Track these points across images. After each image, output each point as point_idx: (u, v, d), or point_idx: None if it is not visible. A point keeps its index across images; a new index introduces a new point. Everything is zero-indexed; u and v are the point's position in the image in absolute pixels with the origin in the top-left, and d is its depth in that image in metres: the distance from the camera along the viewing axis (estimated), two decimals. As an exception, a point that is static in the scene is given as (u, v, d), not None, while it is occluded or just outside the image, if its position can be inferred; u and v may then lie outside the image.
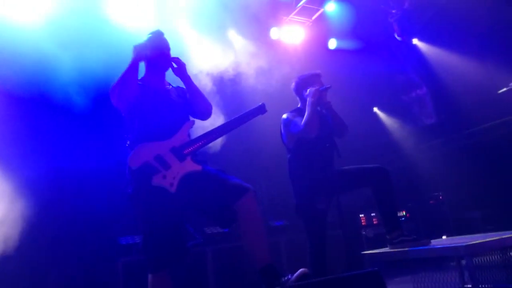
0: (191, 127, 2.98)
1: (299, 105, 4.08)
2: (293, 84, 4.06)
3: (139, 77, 3.03)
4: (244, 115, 3.04)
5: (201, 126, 3.26)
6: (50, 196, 4.90)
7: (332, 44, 7.74)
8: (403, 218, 6.47)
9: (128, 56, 2.96)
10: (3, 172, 4.61)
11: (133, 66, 2.88)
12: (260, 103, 3.08)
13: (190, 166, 2.80)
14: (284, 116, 4.00)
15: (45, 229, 4.79)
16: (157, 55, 3.04)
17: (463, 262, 3.34)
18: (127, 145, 2.89)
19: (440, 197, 6.33)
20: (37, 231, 4.70)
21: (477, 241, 2.67)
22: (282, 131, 4.03)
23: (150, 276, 2.77)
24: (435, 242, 3.26)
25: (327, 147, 3.97)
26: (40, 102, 5.01)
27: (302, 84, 4.02)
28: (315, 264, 3.62)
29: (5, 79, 4.64)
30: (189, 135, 2.95)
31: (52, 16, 5.07)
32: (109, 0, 5.62)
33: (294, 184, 3.93)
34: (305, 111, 3.81)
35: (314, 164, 3.81)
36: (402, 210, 6.49)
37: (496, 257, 3.39)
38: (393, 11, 7.37)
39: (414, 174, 7.10)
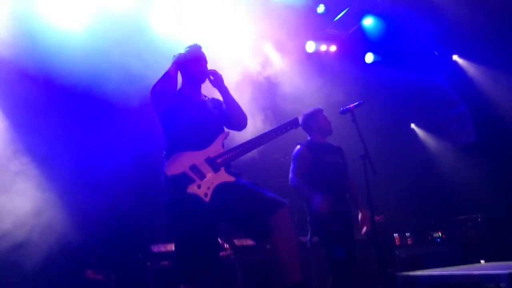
0: (226, 138, 3.02)
1: (309, 138, 4.32)
2: (300, 121, 3.93)
3: (177, 88, 3.10)
4: (277, 128, 3.08)
5: (236, 138, 3.29)
6: (84, 200, 5.02)
7: (369, 58, 7.67)
8: (438, 240, 6.25)
9: (167, 64, 3.05)
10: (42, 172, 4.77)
11: (172, 71, 3.00)
12: (294, 117, 3.09)
13: (224, 177, 2.83)
14: (297, 148, 4.20)
15: (77, 233, 4.88)
16: (195, 67, 3.11)
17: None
18: (163, 154, 2.94)
19: (479, 219, 6.09)
20: (69, 234, 4.80)
21: (520, 268, 2.54)
22: (292, 164, 4.13)
23: (181, 286, 2.78)
24: (474, 267, 3.14)
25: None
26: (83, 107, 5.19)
27: (307, 120, 4.30)
28: None
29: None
30: (223, 146, 2.98)
31: (94, 23, 5.28)
32: (151, 10, 5.78)
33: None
34: (315, 144, 4.17)
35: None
36: (438, 231, 6.29)
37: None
38: (433, 26, 7.25)
39: (451, 194, 6.89)
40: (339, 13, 7.15)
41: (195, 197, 2.71)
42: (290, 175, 4.10)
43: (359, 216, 4.09)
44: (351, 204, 4.20)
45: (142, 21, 5.67)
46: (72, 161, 5.08)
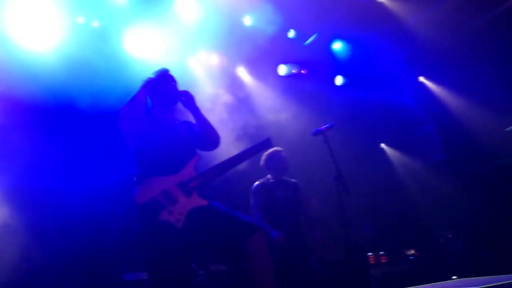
0: (198, 161, 2.96)
1: (268, 176, 4.73)
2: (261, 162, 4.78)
3: (148, 111, 3.05)
4: (249, 149, 3.04)
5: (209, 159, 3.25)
6: (54, 223, 4.90)
7: (339, 80, 7.81)
8: (412, 257, 6.30)
9: (136, 87, 3.02)
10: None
11: (141, 94, 2.94)
12: (265, 137, 3.07)
13: (197, 201, 2.77)
14: (255, 185, 4.64)
15: (47, 263, 4.73)
16: (164, 88, 3.07)
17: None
18: (134, 180, 2.87)
19: (450, 236, 6.19)
20: (39, 264, 4.65)
21: (491, 284, 2.57)
22: (251, 200, 4.53)
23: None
24: (447, 284, 3.16)
25: None
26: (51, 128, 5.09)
27: (266, 160, 4.74)
28: None
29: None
30: (196, 169, 2.92)
31: (63, 45, 5.27)
32: (120, 32, 5.77)
33: None
34: (270, 182, 4.60)
35: None
36: (411, 249, 6.34)
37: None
38: (400, 49, 7.46)
39: (422, 212, 6.99)
40: (309, 38, 7.29)
41: (167, 224, 2.64)
42: (252, 210, 4.46)
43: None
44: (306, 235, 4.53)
45: (111, 42, 5.66)
46: (42, 185, 4.96)
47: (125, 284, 4.64)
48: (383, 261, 6.11)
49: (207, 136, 3.07)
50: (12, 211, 4.65)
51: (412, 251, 6.27)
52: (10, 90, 4.82)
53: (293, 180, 4.77)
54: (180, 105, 3.11)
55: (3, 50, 4.92)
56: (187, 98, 3.05)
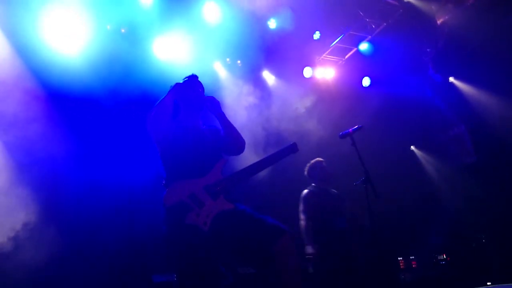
0: (224, 165, 2.98)
1: (313, 184, 4.92)
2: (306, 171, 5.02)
3: (175, 116, 3.10)
4: (276, 154, 3.04)
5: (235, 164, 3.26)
6: (85, 232, 4.98)
7: (366, 82, 7.71)
8: (443, 262, 6.13)
9: (164, 91, 3.07)
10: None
11: (168, 99, 3.00)
12: (292, 142, 3.06)
13: (224, 204, 2.78)
14: (305, 192, 4.81)
15: (76, 264, 4.84)
16: (191, 95, 3.11)
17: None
18: (163, 183, 2.91)
19: (483, 240, 5.99)
20: (69, 265, 4.77)
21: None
22: (302, 206, 4.69)
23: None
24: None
25: None
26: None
27: (309, 171, 4.97)
28: None
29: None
30: (222, 173, 2.94)
31: (93, 49, 5.43)
32: (148, 38, 5.88)
33: None
34: (318, 191, 4.77)
35: None
36: (442, 253, 6.18)
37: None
38: (428, 49, 7.32)
39: (455, 215, 6.81)
40: (335, 40, 7.25)
41: (193, 227, 2.66)
42: (302, 215, 4.61)
43: None
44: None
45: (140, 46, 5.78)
46: (77, 184, 5.09)
47: (155, 285, 4.70)
48: (413, 265, 5.98)
49: (232, 141, 3.09)
50: (41, 210, 4.75)
51: (444, 256, 6.10)
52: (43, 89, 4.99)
53: (335, 191, 4.96)
54: (206, 111, 3.14)
55: (39, 52, 5.09)
56: (213, 104, 3.08)
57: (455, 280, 5.74)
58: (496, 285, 4.20)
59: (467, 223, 6.55)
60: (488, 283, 4.95)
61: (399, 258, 6.00)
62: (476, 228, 6.31)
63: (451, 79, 7.51)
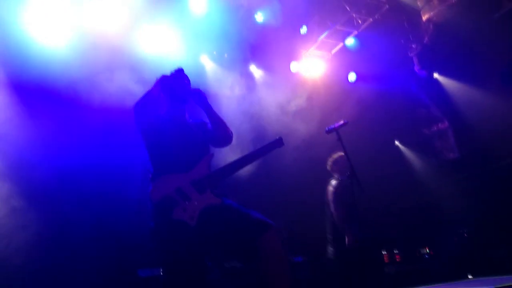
0: (211, 159, 2.99)
1: (336, 176, 4.97)
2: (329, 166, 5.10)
3: (162, 109, 3.09)
4: (262, 148, 3.05)
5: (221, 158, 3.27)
6: (69, 225, 4.94)
7: (352, 77, 7.77)
8: (426, 256, 6.26)
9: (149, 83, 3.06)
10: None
11: (155, 90, 2.99)
12: (278, 137, 3.08)
13: (210, 199, 2.79)
14: (335, 183, 4.86)
15: (62, 258, 4.81)
16: (178, 87, 3.10)
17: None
18: (149, 177, 2.91)
19: (465, 234, 6.12)
20: (54, 260, 4.73)
21: (507, 284, 2.56)
22: (332, 198, 4.74)
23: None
24: (462, 283, 3.15)
25: None
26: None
27: (333, 164, 5.02)
28: None
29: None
30: (209, 168, 2.95)
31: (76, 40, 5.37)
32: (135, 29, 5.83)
33: None
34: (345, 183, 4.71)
35: None
36: (425, 247, 6.30)
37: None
38: (413, 45, 7.40)
39: (436, 210, 6.94)
40: (322, 34, 7.28)
41: (180, 222, 2.67)
42: (333, 206, 4.69)
43: None
44: None
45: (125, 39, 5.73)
46: (61, 177, 5.04)
47: (140, 280, 4.70)
48: (397, 259, 6.09)
49: (220, 132, 3.09)
50: (25, 206, 4.70)
51: (427, 249, 6.23)
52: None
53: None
54: (193, 104, 3.13)
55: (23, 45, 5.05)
56: (200, 97, 3.08)
57: (437, 273, 5.86)
58: (476, 278, 4.31)
59: (449, 218, 6.68)
60: (469, 276, 5.07)
61: (383, 252, 6.11)
62: (458, 222, 6.45)
63: (436, 75, 7.63)
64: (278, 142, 3.06)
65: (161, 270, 2.83)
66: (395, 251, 6.13)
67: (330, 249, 4.75)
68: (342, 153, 4.89)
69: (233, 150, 3.36)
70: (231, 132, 3.15)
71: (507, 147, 6.26)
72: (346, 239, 4.47)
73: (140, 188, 3.47)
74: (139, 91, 3.09)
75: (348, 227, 4.52)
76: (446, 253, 6.12)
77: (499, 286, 2.54)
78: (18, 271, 4.40)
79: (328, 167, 5.09)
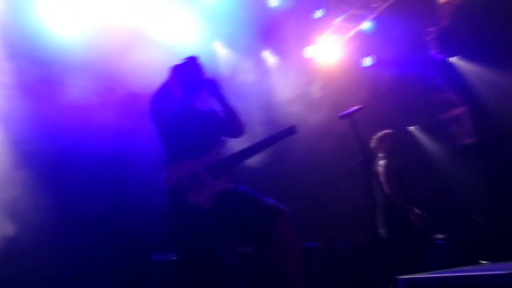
0: (223, 147, 3.03)
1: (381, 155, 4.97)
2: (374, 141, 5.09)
3: (176, 97, 3.12)
4: (275, 135, 3.09)
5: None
6: (85, 211, 5.03)
7: (367, 62, 7.68)
8: (440, 241, 6.22)
9: (164, 74, 3.08)
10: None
11: (170, 81, 3.05)
12: (291, 124, 3.09)
13: (225, 184, 2.84)
14: (387, 162, 4.83)
15: (77, 242, 4.89)
16: (192, 77, 3.13)
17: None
18: (163, 164, 2.96)
19: (480, 220, 6.08)
20: (69, 244, 4.81)
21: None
22: (385, 178, 4.74)
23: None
24: (475, 268, 3.14)
25: None
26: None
27: (380, 141, 5.02)
28: None
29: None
30: (222, 154, 2.99)
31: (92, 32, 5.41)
32: (147, 19, 5.84)
33: None
34: (391, 160, 4.84)
35: None
36: (439, 233, 6.27)
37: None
38: (430, 29, 7.28)
39: (452, 196, 6.89)
40: (337, 19, 7.19)
41: (195, 206, 2.72)
42: (390, 186, 4.68)
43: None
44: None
45: (140, 32, 5.74)
46: (73, 160, 5.11)
47: (155, 264, 4.78)
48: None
49: (232, 123, 3.13)
50: (40, 188, 4.74)
51: (441, 235, 6.18)
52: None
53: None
54: (206, 93, 3.16)
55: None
56: (214, 86, 3.10)
57: (451, 258, 5.85)
58: (490, 263, 4.29)
59: (464, 203, 6.64)
60: (482, 262, 5.05)
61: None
62: (474, 208, 6.40)
63: (453, 58, 7.49)
64: (291, 130, 3.09)
65: (176, 254, 2.90)
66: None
67: (382, 231, 4.75)
68: (388, 131, 5.06)
69: (246, 137, 3.37)
70: (244, 124, 3.19)
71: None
72: (413, 218, 4.57)
73: (154, 174, 3.51)
74: (152, 78, 3.10)
75: (409, 206, 4.61)
76: (460, 239, 6.08)
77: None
78: (30, 254, 4.47)
79: (373, 145, 5.06)
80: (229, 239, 4.66)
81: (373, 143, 5.06)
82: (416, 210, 4.57)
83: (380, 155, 4.96)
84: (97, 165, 5.24)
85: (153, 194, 3.47)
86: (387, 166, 4.80)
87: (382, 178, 4.78)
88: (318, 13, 6.95)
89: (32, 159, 4.75)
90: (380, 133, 5.04)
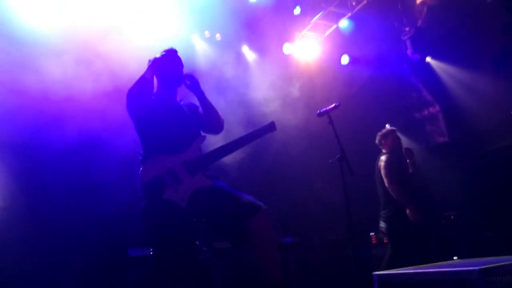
0: (203, 142, 3.02)
1: (384, 151, 5.15)
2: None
3: (154, 93, 3.09)
4: (254, 132, 3.10)
5: (212, 142, 3.30)
6: (60, 205, 4.94)
7: (345, 60, 7.74)
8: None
9: (141, 68, 3.04)
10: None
11: (148, 75, 3.00)
12: (270, 121, 3.11)
13: (202, 181, 2.83)
14: (387, 157, 4.99)
15: (53, 238, 4.81)
16: (171, 71, 3.10)
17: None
18: (139, 159, 2.92)
19: (452, 217, 6.22)
20: (44, 239, 4.73)
21: (492, 265, 2.62)
22: (387, 171, 4.87)
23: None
24: (447, 264, 3.22)
25: None
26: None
27: (382, 138, 5.22)
28: None
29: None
30: (200, 150, 2.98)
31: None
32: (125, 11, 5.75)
33: None
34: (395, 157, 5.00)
35: None
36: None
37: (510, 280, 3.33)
38: (407, 28, 7.39)
39: (425, 193, 7.03)
40: (315, 16, 7.23)
41: (171, 202, 2.71)
42: (389, 181, 4.81)
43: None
44: None
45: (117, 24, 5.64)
46: (50, 160, 5.00)
47: (130, 259, 4.74)
48: (385, 241, 6.18)
49: (210, 119, 3.13)
50: (14, 190, 4.68)
51: None
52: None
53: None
54: (184, 87, 3.14)
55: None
56: (192, 81, 3.08)
57: (423, 256, 5.97)
58: (462, 260, 4.41)
59: (438, 201, 6.77)
60: (455, 258, 5.18)
61: (371, 234, 6.19)
62: (446, 206, 6.53)
63: (428, 58, 7.62)
64: (271, 127, 3.10)
65: (152, 249, 2.88)
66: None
67: (382, 224, 4.95)
68: (391, 128, 5.27)
69: (224, 134, 3.37)
70: (222, 120, 3.21)
71: (498, 131, 6.32)
72: (409, 213, 4.70)
73: (130, 169, 3.47)
74: (129, 72, 3.06)
75: (409, 201, 4.73)
76: (434, 236, 6.21)
77: (485, 267, 2.60)
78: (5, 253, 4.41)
79: (377, 141, 5.27)
80: (206, 234, 4.67)
81: (377, 139, 5.27)
82: (414, 206, 4.73)
83: (383, 151, 5.15)
84: (70, 158, 5.13)
85: (129, 188, 3.44)
86: (387, 161, 4.95)
87: (382, 172, 4.93)
88: (297, 10, 6.97)
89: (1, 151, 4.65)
90: (383, 130, 5.26)
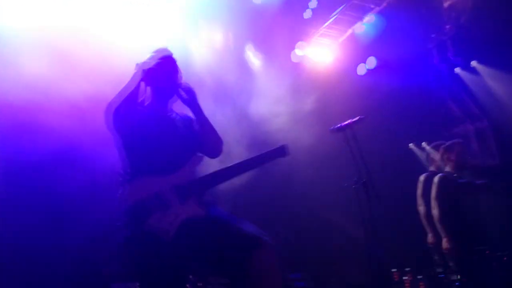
0: (198, 164, 2.88)
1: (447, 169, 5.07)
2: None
3: (141, 102, 2.97)
4: (261, 156, 2.93)
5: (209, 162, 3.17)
6: (37, 234, 4.88)
7: (362, 69, 7.64)
8: (457, 283, 5.79)
9: (127, 74, 2.92)
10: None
11: (133, 84, 2.86)
12: (280, 144, 2.93)
13: (194, 209, 2.70)
14: (440, 176, 4.88)
15: (34, 269, 4.82)
16: (163, 79, 2.97)
17: None
18: (125, 179, 2.79)
19: (505, 258, 5.72)
20: (26, 271, 4.75)
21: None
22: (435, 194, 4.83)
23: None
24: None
25: None
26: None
27: (445, 152, 5.11)
28: None
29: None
30: (195, 171, 2.84)
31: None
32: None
33: None
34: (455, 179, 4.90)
35: None
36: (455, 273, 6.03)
37: None
38: (433, 35, 7.29)
39: (467, 227, 6.73)
40: (329, 18, 7.16)
41: (154, 235, 2.58)
42: (437, 203, 4.78)
43: None
44: None
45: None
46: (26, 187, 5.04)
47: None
48: (420, 286, 5.88)
49: (206, 138, 2.99)
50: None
51: (458, 277, 5.74)
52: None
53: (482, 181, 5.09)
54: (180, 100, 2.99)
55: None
56: (188, 93, 2.94)
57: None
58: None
59: (483, 237, 6.45)
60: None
61: (393, 270, 6.01)
62: (495, 244, 6.13)
63: (474, 63, 7.38)
64: (281, 151, 2.91)
65: (138, 284, 2.78)
66: (406, 269, 5.95)
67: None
68: (460, 140, 5.20)
69: (225, 155, 3.21)
70: (221, 142, 3.05)
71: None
72: (444, 242, 4.70)
73: (113, 193, 3.37)
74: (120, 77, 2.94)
75: (448, 229, 4.71)
76: (482, 280, 5.65)
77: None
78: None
79: (437, 157, 5.23)
80: (199, 269, 4.52)
81: (439, 154, 5.23)
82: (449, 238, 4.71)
83: (447, 169, 5.06)
84: (41, 172, 5.12)
85: (112, 214, 3.31)
86: (440, 181, 4.85)
87: (432, 194, 4.87)
88: (308, 13, 6.91)
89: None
90: (447, 143, 5.17)
